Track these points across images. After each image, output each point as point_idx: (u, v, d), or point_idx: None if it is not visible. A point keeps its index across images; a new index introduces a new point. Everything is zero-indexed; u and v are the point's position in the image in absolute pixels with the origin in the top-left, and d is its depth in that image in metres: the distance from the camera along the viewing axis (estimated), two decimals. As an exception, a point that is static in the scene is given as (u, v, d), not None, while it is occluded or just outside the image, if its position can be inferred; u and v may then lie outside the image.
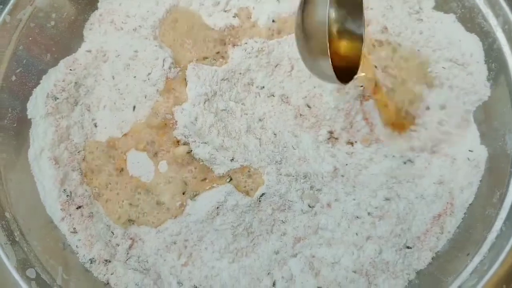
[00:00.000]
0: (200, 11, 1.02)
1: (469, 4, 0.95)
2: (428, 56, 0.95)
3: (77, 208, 0.89)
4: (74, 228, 0.87)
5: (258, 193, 0.85)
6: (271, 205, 0.85)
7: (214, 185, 0.88)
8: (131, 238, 0.89)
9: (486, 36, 0.92)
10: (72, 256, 0.86)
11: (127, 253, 0.88)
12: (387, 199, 0.84)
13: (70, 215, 0.88)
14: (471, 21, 0.95)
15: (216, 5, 1.02)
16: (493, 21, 0.91)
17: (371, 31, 0.98)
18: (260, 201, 0.85)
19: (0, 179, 0.85)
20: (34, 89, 0.94)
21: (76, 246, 0.86)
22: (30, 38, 0.95)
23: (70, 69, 0.98)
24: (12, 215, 0.83)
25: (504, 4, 0.89)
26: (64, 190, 0.89)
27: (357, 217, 0.84)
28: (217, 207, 0.84)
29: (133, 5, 1.03)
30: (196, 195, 0.87)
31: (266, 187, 0.85)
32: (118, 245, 0.88)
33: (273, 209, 0.85)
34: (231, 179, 0.87)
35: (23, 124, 0.92)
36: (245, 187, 0.87)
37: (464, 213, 0.85)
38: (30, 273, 0.79)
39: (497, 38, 0.91)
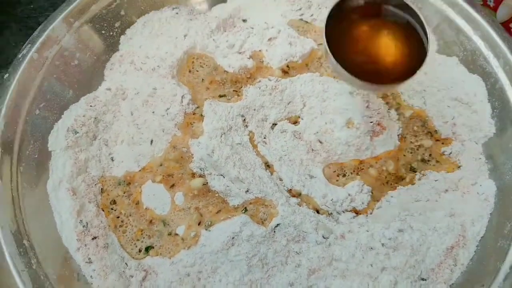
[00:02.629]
0: (216, 53, 1.08)
1: (470, 47, 1.00)
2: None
3: (92, 239, 0.89)
4: (89, 258, 0.87)
5: (273, 223, 0.86)
6: (286, 236, 0.86)
7: (229, 216, 0.89)
8: (144, 270, 0.89)
9: (488, 77, 0.97)
10: (86, 287, 0.85)
11: (141, 285, 0.87)
12: (400, 230, 0.85)
13: (85, 245, 0.88)
14: (473, 63, 1.00)
15: (231, 48, 1.08)
16: (494, 62, 0.97)
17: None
18: (274, 231, 0.86)
19: (20, 207, 0.87)
20: (56, 123, 0.98)
21: (91, 276, 0.86)
22: (55, 75, 1.00)
23: (91, 105, 1.02)
24: (30, 243, 0.84)
25: (504, 47, 0.95)
26: (81, 220, 0.90)
27: (371, 248, 0.84)
28: (232, 238, 0.85)
29: (152, 47, 1.09)
30: (211, 225, 0.89)
31: (281, 218, 0.86)
32: (132, 276, 0.88)
33: (287, 240, 0.86)
34: (246, 210, 0.89)
35: (43, 156, 0.95)
36: (260, 217, 0.89)
37: (477, 246, 0.86)
38: (46, 301, 0.79)
39: (499, 78, 0.95)
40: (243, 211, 0.89)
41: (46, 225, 0.89)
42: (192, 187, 0.92)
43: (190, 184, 0.93)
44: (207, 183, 0.92)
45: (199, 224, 0.89)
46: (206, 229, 0.88)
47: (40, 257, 0.84)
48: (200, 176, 0.93)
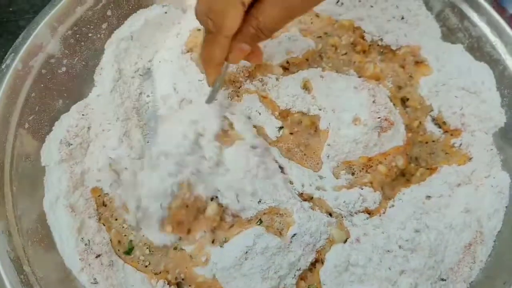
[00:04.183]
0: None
1: (476, 34, 0.97)
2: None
3: (96, 257, 0.85)
4: (95, 279, 0.83)
5: (290, 233, 0.82)
6: (302, 245, 0.82)
7: (243, 229, 0.84)
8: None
9: (496, 64, 0.94)
10: (94, 309, 0.82)
11: (150, 302, 0.84)
12: (417, 231, 0.82)
13: (89, 264, 0.84)
14: (479, 50, 0.97)
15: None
16: (502, 49, 0.94)
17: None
18: (291, 241, 0.82)
19: (17, 230, 0.82)
20: (47, 136, 0.93)
21: (98, 297, 0.82)
22: (42, 85, 0.94)
23: (82, 114, 0.97)
24: (31, 268, 0.79)
25: (511, 32, 0.92)
26: (82, 238, 0.86)
27: (388, 251, 0.81)
28: (246, 252, 0.81)
29: (143, 49, 1.04)
30: (225, 241, 0.84)
31: (298, 226, 0.82)
32: (141, 294, 0.84)
33: (303, 249, 0.82)
34: (261, 222, 0.84)
35: (37, 172, 0.89)
36: (276, 228, 0.84)
37: (494, 241, 0.84)
38: (53, 329, 0.75)
39: (507, 65, 0.93)
40: (258, 223, 0.84)
41: (46, 246, 0.84)
42: (206, 217, 0.86)
43: (205, 217, 0.86)
44: (220, 204, 0.86)
45: (212, 242, 0.85)
46: (221, 246, 0.83)
47: (42, 282, 0.79)
48: (212, 198, 0.86)
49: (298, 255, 0.82)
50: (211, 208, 0.84)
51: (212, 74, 0.84)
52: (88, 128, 0.96)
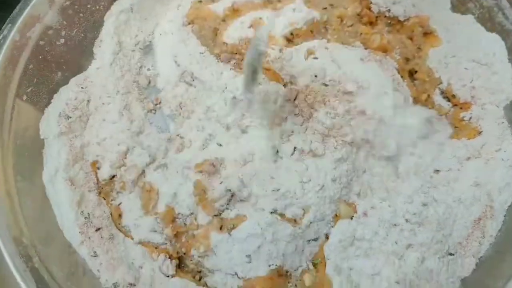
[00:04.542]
0: (214, 24, 1.00)
1: (487, 4, 0.94)
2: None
3: (96, 230, 0.84)
4: (95, 252, 0.82)
5: (306, 221, 0.80)
6: (314, 228, 0.80)
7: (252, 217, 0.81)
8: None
9: (508, 35, 0.91)
10: (94, 282, 0.80)
11: (152, 277, 0.82)
12: (424, 204, 0.80)
13: (89, 238, 0.83)
14: (490, 21, 0.94)
15: (229, 17, 1.00)
16: (514, 19, 0.90)
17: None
18: (305, 229, 0.80)
19: (16, 203, 0.80)
20: (46, 108, 0.91)
21: (98, 270, 0.81)
22: (40, 57, 0.92)
23: (82, 87, 0.95)
24: (30, 240, 0.78)
25: (525, 2, 0.89)
26: (82, 212, 0.84)
27: (395, 224, 0.79)
28: (258, 246, 0.78)
29: (144, 21, 1.01)
30: (233, 228, 0.81)
31: (313, 213, 0.80)
32: (141, 267, 0.82)
33: (314, 233, 0.80)
34: (275, 211, 0.81)
35: (36, 145, 0.88)
36: (291, 215, 0.81)
37: (504, 215, 0.82)
38: (52, 301, 0.73)
39: (520, 36, 0.89)
40: (271, 212, 0.80)
41: (46, 220, 0.83)
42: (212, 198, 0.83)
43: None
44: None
45: (220, 228, 0.82)
46: (229, 233, 0.80)
47: (42, 254, 0.77)
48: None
49: (305, 240, 0.80)
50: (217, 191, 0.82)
51: None
52: (88, 101, 0.95)
